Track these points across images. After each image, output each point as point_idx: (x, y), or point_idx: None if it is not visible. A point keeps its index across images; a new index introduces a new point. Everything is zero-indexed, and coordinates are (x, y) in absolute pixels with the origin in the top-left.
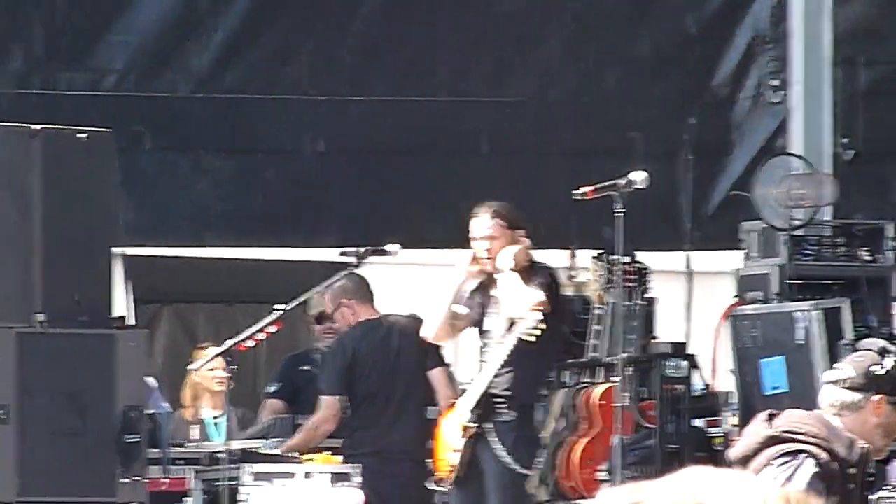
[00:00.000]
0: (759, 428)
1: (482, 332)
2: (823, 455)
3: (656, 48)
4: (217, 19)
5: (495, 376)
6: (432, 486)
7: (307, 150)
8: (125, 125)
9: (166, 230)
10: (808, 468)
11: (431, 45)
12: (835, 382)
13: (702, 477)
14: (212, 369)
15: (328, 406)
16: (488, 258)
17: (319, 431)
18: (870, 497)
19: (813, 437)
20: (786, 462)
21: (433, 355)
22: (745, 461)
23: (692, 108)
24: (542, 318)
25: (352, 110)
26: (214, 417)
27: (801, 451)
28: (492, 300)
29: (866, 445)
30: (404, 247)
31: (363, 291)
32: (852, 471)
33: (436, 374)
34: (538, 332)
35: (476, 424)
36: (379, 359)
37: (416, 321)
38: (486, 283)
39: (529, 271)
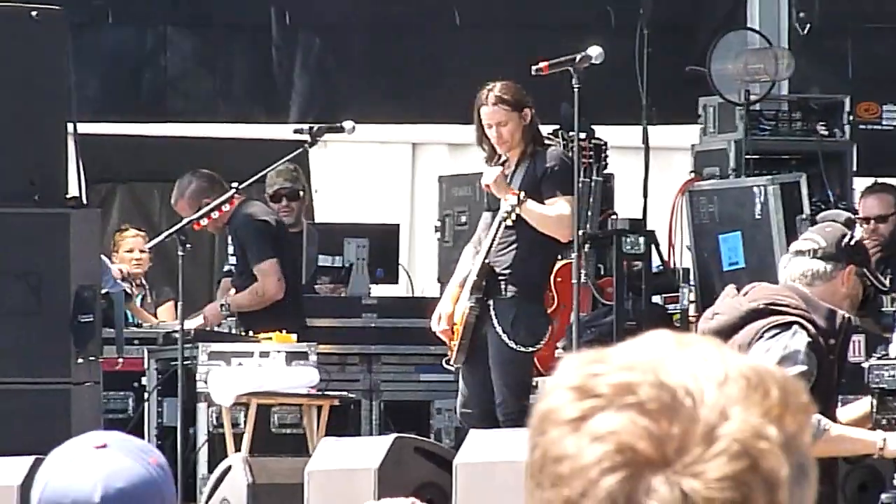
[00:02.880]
0: (735, 302)
1: (492, 213)
2: (810, 326)
3: None
4: None
5: (498, 255)
6: (444, 366)
7: (271, 24)
8: (87, 0)
9: (128, 106)
10: (802, 338)
11: None
12: (806, 252)
13: (664, 346)
14: (130, 251)
15: (271, 270)
16: (501, 143)
17: (267, 296)
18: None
19: (795, 308)
20: (777, 333)
21: None
22: (724, 336)
23: None
24: (517, 202)
25: None
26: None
27: (791, 323)
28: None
29: (847, 315)
30: (365, 122)
31: (218, 185)
32: (832, 341)
33: None
34: (514, 216)
35: (475, 304)
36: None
37: None
38: (503, 166)
39: (535, 153)
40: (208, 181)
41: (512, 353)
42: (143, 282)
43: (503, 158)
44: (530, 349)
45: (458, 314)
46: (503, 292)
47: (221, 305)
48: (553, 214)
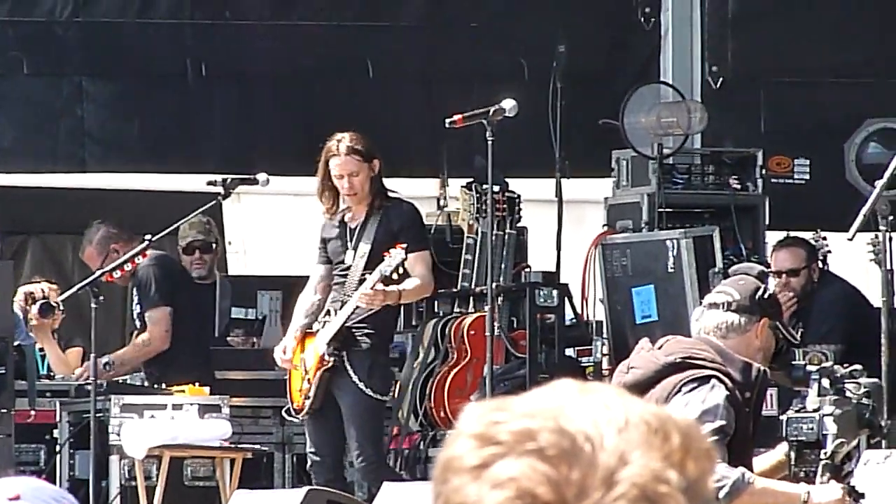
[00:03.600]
0: (651, 356)
1: (340, 265)
2: (727, 380)
3: None
4: None
5: (354, 310)
6: (287, 416)
7: (188, 74)
8: (1, 51)
9: (45, 157)
10: (720, 392)
11: None
12: (720, 305)
13: (566, 393)
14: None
15: (161, 319)
16: (351, 194)
17: (152, 346)
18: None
19: (711, 361)
20: (694, 388)
21: None
22: (640, 390)
23: (564, 35)
24: (404, 255)
25: (235, 34)
26: (41, 349)
27: (709, 377)
28: (352, 234)
29: (762, 368)
30: (284, 174)
31: (125, 232)
32: (748, 394)
33: None
34: (400, 270)
35: (333, 356)
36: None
37: None
38: (345, 219)
39: (383, 206)
40: (116, 228)
41: (370, 402)
42: (55, 333)
43: (341, 210)
44: (385, 398)
45: (306, 365)
46: (359, 344)
47: (105, 364)
48: (417, 286)
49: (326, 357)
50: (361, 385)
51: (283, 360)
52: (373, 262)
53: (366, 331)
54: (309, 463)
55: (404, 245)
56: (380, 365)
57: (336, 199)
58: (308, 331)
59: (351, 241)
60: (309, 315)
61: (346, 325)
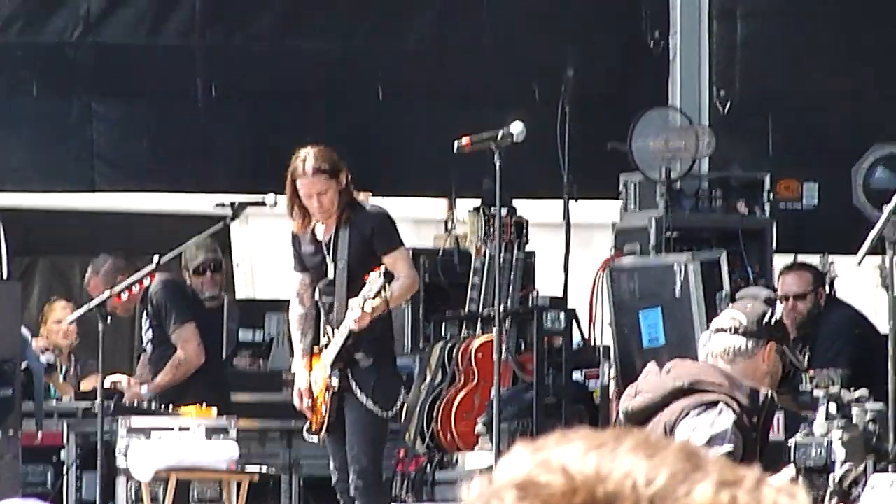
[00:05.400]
0: (659, 380)
1: (324, 280)
2: (735, 405)
3: None
4: None
5: (349, 335)
6: (305, 437)
7: (197, 95)
8: (12, 71)
9: (54, 176)
10: (728, 417)
11: None
12: (727, 329)
13: (594, 442)
14: (58, 321)
15: (191, 335)
16: (323, 212)
17: (190, 364)
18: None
19: (719, 386)
20: (702, 412)
21: None
22: (649, 413)
23: (573, 58)
24: (384, 281)
25: (244, 55)
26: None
27: (716, 402)
28: (327, 248)
29: (770, 393)
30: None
31: (131, 265)
32: (755, 419)
33: None
34: (383, 294)
35: (339, 378)
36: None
37: None
38: (316, 233)
39: (352, 215)
40: (123, 261)
41: (372, 418)
42: (72, 356)
43: (313, 224)
44: (389, 413)
45: (316, 386)
46: (360, 361)
47: (149, 399)
48: (401, 287)
49: (332, 382)
50: (368, 402)
51: (306, 407)
52: (354, 272)
53: (366, 345)
54: (333, 480)
55: (380, 250)
56: (384, 378)
57: (307, 215)
58: (313, 351)
59: (328, 253)
60: (306, 331)
61: (345, 346)
